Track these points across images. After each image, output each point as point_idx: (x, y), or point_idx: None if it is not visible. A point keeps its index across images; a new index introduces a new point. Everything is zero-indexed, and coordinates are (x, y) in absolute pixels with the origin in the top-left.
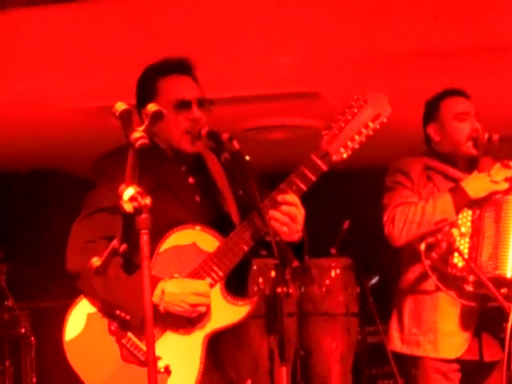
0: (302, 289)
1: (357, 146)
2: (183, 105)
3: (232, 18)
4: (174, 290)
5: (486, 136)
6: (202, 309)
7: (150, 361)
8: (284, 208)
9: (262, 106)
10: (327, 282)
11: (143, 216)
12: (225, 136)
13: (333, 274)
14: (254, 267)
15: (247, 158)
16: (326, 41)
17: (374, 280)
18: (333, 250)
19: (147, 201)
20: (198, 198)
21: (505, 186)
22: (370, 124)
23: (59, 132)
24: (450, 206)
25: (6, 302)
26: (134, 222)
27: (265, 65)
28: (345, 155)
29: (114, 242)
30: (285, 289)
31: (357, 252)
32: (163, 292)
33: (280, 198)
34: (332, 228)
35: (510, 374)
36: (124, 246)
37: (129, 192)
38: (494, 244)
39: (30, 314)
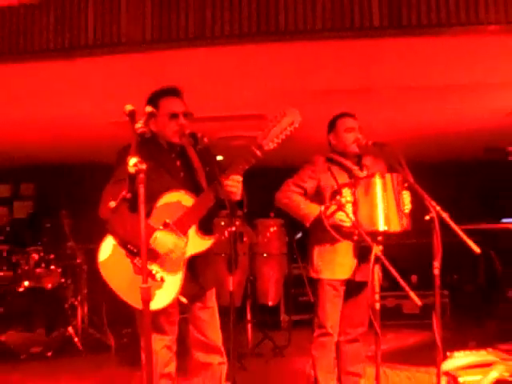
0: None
1: (280, 141)
2: (174, 116)
3: (212, 68)
4: (163, 239)
5: (364, 141)
6: (173, 255)
7: (143, 271)
8: (233, 178)
9: (229, 123)
10: (268, 234)
11: (141, 175)
12: (200, 135)
13: (271, 230)
14: (222, 223)
15: (220, 157)
16: (271, 81)
17: (299, 235)
18: (272, 214)
19: (143, 166)
20: (182, 174)
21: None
22: (288, 128)
23: (101, 138)
24: (306, 219)
25: (68, 243)
26: (135, 179)
27: (232, 97)
28: (272, 147)
29: (123, 193)
30: (233, 228)
31: (287, 216)
32: (155, 238)
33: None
34: (271, 201)
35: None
36: (129, 195)
37: (133, 160)
38: (367, 209)
39: (85, 251)
